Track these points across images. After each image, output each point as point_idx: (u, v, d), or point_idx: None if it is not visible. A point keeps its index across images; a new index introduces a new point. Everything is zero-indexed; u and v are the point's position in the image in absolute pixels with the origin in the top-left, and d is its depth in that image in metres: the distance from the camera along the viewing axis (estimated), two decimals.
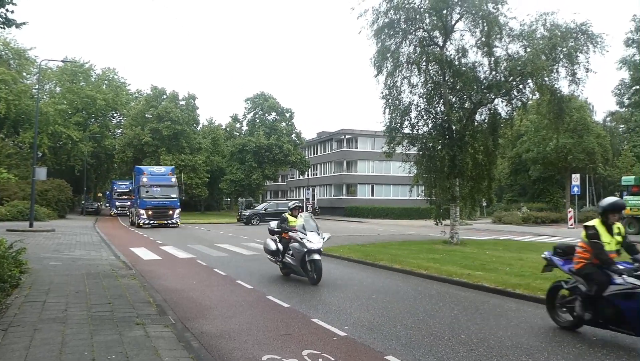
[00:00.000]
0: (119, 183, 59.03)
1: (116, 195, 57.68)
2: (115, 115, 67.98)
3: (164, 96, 62.35)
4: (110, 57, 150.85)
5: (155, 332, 6.71)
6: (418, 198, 30.14)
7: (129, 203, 50.10)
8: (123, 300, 8.81)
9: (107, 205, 71.96)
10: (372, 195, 63.55)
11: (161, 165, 47.62)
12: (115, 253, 16.87)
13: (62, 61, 45.25)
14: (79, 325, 6.94)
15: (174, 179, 38.39)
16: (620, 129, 59.44)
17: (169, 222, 35.85)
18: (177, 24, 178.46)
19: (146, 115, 60.53)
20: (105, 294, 9.29)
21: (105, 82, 65.31)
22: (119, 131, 67.73)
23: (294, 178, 77.89)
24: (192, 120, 63.26)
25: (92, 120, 62.40)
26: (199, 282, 11.84)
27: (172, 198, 36.80)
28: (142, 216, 35.05)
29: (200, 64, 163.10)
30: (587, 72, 19.85)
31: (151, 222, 35.05)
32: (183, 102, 63.27)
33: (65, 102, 55.76)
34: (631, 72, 33.62)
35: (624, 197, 28.58)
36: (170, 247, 20.47)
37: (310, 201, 67.11)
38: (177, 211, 36.67)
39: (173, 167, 45.30)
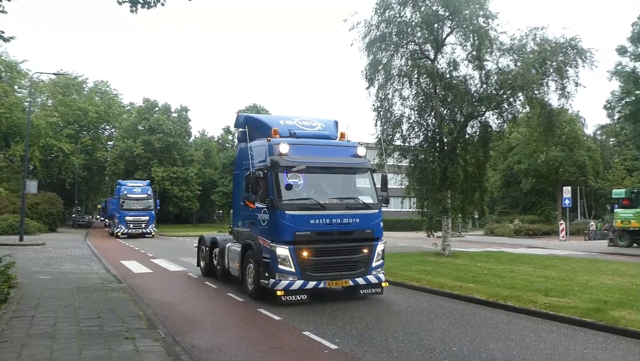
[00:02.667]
0: (131, 184, 43.02)
1: (125, 205, 40.08)
2: (107, 127, 67.65)
3: (156, 108, 62.32)
4: (103, 69, 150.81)
5: (145, 346, 6.65)
6: (410, 210, 30.20)
7: (146, 217, 40.51)
8: (113, 314, 8.73)
9: (104, 219, 60.96)
10: None
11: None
12: (105, 267, 16.74)
13: (54, 74, 44.98)
14: (67, 340, 6.86)
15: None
16: (611, 142, 59.94)
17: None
18: (170, 37, 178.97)
19: (138, 127, 60.41)
20: (94, 308, 9.20)
21: (98, 94, 65.13)
22: (111, 143, 67.44)
23: None
24: (184, 132, 63.20)
25: (84, 133, 62.07)
26: (190, 295, 11.77)
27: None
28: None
29: (193, 76, 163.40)
30: (576, 86, 20.09)
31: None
32: (175, 114, 63.23)
33: (57, 115, 55.45)
34: (621, 84, 33.73)
35: (615, 210, 28.79)
36: (161, 259, 20.33)
37: None
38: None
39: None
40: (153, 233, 40.02)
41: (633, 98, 31.45)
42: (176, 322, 8.75)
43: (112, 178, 64.09)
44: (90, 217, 71.11)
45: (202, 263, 15.54)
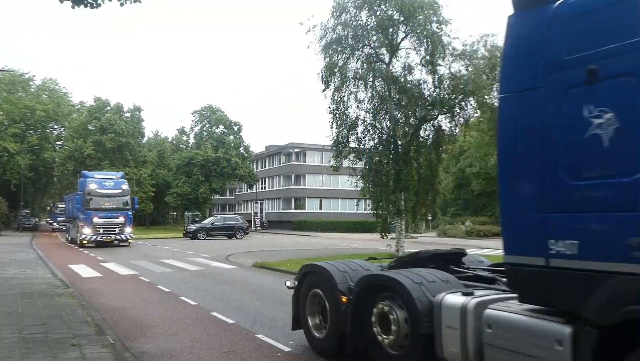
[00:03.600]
0: (100, 177, 32.60)
1: (92, 202, 30.21)
2: (56, 126, 65.40)
3: (108, 108, 60.66)
4: (52, 67, 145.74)
5: (92, 353, 6.46)
6: (365, 211, 30.51)
7: (121, 218, 30.74)
8: (59, 320, 8.44)
9: (52, 222, 55.63)
10: (321, 208, 63.76)
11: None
12: (52, 271, 16.14)
13: None
14: (9, 349, 6.59)
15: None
16: None
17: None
18: (122, 35, 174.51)
19: (89, 127, 58.61)
20: (39, 314, 8.87)
21: (46, 92, 62.89)
22: (60, 143, 65.19)
23: (242, 191, 77.17)
24: (137, 132, 61.80)
25: (31, 132, 59.76)
26: (141, 300, 11.50)
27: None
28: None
29: (147, 77, 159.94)
30: None
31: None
32: (128, 114, 61.75)
33: (1, 113, 53.23)
34: None
35: None
36: (112, 263, 19.78)
37: (259, 215, 66.69)
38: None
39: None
40: (129, 240, 31.03)
41: None
42: (126, 327, 8.54)
43: (61, 179, 61.91)
44: (37, 219, 68.38)
45: (316, 332, 6.90)
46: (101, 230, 29.75)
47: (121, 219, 30.59)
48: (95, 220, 29.55)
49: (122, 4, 9.94)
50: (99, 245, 29.06)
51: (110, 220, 30.22)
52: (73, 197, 34.63)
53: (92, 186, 30.53)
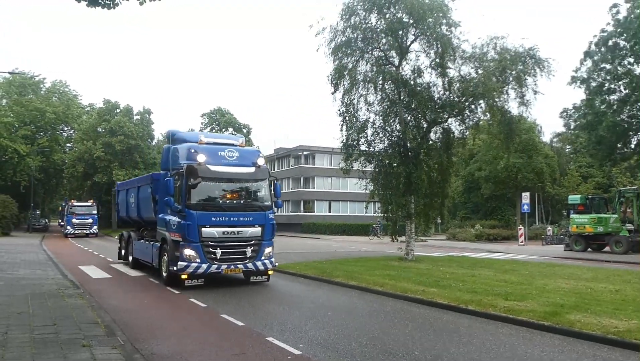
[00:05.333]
0: (211, 142, 14.85)
1: (199, 190, 13.74)
2: (65, 128, 65.84)
3: (118, 110, 60.95)
4: (62, 70, 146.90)
5: (103, 354, 6.46)
6: (374, 214, 30.40)
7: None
8: (69, 321, 8.45)
9: (62, 223, 53.77)
10: (330, 211, 63.65)
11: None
12: (62, 272, 16.20)
13: (9, 73, 43.58)
14: (20, 349, 6.59)
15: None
16: (567, 150, 61.89)
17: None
18: (133, 37, 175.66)
19: (98, 129, 58.92)
20: (50, 315, 8.89)
21: (56, 94, 63.32)
22: (70, 145, 65.56)
23: None
24: (146, 134, 62.02)
25: (41, 134, 60.20)
26: (150, 301, 11.51)
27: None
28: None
29: (157, 79, 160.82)
30: (535, 94, 20.67)
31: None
32: (138, 117, 61.99)
33: (11, 115, 53.63)
34: (586, 91, 33.34)
35: (571, 216, 29.66)
36: (121, 265, 19.83)
37: None
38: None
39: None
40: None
41: (589, 110, 32.19)
42: (136, 329, 8.53)
43: (70, 181, 62.21)
44: (47, 220, 68.78)
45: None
46: (219, 253, 13.57)
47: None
48: (208, 229, 13.55)
49: (141, 3, 9.49)
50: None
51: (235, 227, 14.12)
52: (142, 183, 18.46)
53: (201, 158, 13.81)
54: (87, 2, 9.30)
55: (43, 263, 19.21)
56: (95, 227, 47.67)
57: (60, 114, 59.20)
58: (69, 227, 46.58)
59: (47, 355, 6.35)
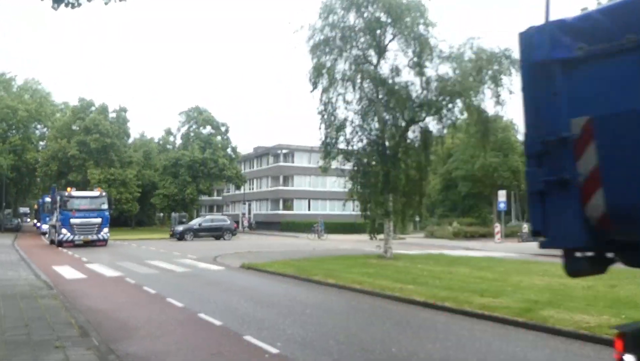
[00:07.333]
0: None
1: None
2: (38, 127, 64.57)
3: (93, 108, 59.90)
4: (35, 68, 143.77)
5: (76, 355, 6.35)
6: (353, 213, 30.50)
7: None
8: (42, 322, 8.29)
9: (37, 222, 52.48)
10: (309, 210, 63.62)
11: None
12: (35, 273, 15.89)
13: None
14: None
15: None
16: None
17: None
18: (107, 35, 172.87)
19: (73, 128, 57.84)
20: (22, 316, 8.71)
21: (28, 92, 62.10)
22: (43, 144, 64.30)
23: (229, 192, 76.73)
24: (122, 133, 61.09)
25: (13, 132, 58.97)
26: (126, 301, 11.36)
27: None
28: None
29: (132, 77, 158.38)
30: (510, 93, 20.91)
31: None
32: (113, 115, 61.03)
33: None
34: None
35: None
36: (96, 264, 19.53)
37: (246, 216, 66.41)
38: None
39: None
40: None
41: None
42: (111, 329, 8.42)
43: (44, 180, 60.93)
44: (19, 220, 67.33)
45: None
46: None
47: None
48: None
49: (106, 3, 9.66)
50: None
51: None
52: None
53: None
54: (52, 2, 9.18)
55: (15, 264, 18.85)
56: (105, 229, 31.34)
57: (33, 112, 58.08)
58: (64, 231, 29.84)
59: (19, 356, 6.23)
